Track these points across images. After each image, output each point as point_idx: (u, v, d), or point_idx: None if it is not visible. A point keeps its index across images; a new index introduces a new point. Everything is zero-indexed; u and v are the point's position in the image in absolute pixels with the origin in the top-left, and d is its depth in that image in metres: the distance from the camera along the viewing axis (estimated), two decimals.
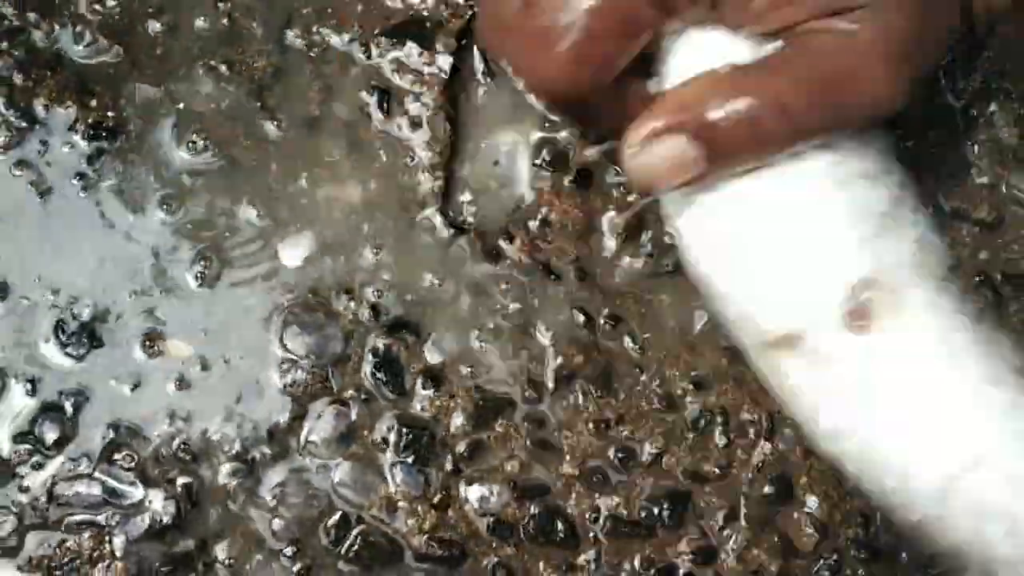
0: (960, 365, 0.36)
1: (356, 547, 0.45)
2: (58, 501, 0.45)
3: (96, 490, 0.45)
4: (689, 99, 0.37)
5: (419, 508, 0.45)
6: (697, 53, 0.38)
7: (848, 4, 0.37)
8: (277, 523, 0.45)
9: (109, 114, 0.49)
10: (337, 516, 0.45)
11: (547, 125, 0.49)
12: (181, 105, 0.50)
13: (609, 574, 0.45)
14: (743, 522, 0.46)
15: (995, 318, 0.45)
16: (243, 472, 0.46)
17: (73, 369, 0.46)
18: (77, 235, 0.48)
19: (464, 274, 0.48)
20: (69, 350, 0.46)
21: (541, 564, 0.45)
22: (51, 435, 0.46)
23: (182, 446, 0.46)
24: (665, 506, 0.46)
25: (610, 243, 0.49)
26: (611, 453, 0.46)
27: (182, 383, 0.47)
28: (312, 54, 0.51)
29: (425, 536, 0.45)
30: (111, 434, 0.46)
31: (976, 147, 0.51)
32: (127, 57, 0.50)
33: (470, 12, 0.51)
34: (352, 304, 0.47)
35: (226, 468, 0.46)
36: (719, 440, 0.46)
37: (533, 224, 0.49)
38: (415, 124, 0.49)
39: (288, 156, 0.49)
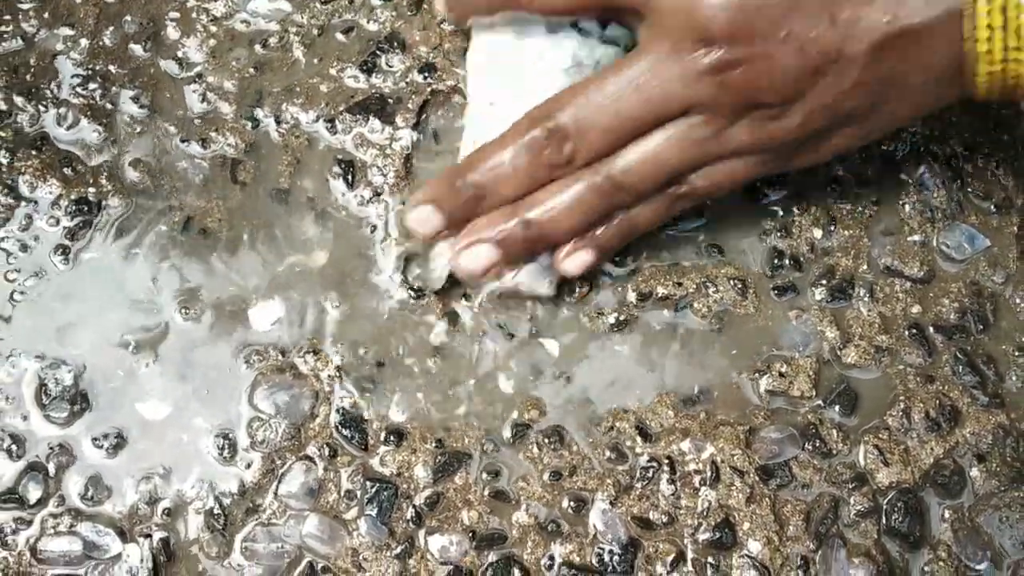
0: None
1: None
2: (40, 556, 0.47)
3: (77, 546, 0.48)
4: None
5: (383, 557, 0.48)
6: None
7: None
8: (249, 573, 0.48)
9: (90, 191, 0.52)
10: (304, 564, 0.48)
11: None
12: (159, 181, 0.53)
13: None
14: (689, 567, 0.48)
15: None
16: (216, 526, 0.48)
17: (55, 431, 0.49)
18: (59, 304, 0.51)
19: (424, 335, 0.51)
20: (51, 413, 0.49)
21: None
22: (34, 494, 0.48)
23: (159, 502, 0.48)
24: (616, 553, 0.48)
25: (563, 302, 0.52)
26: (564, 503, 0.49)
27: (159, 442, 0.49)
28: (281, 130, 0.54)
29: None
30: (91, 491, 0.48)
31: (907, 207, 0.54)
32: (108, 137, 0.53)
33: (429, 89, 0.54)
34: (319, 365, 0.50)
35: (200, 522, 0.48)
36: (666, 489, 0.49)
37: (489, 285, 0.52)
38: (377, 194, 0.53)
39: (258, 227, 0.52)
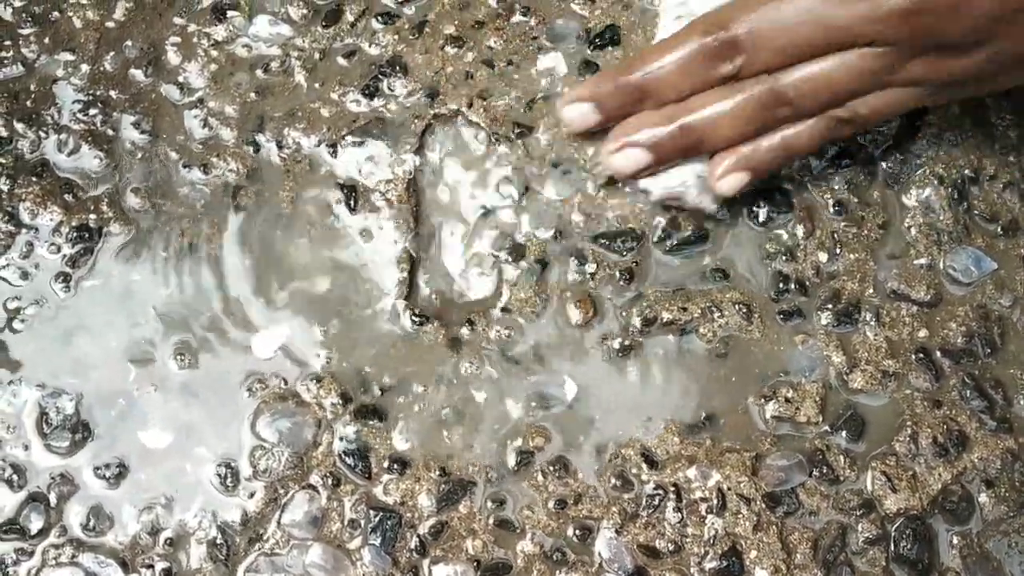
0: None
1: None
2: None
3: None
4: None
5: None
6: None
7: None
8: None
9: (91, 217, 0.52)
10: None
11: (506, 219, 0.52)
12: (160, 207, 0.53)
13: None
14: None
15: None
16: (219, 556, 0.48)
17: (56, 461, 0.49)
18: (59, 332, 0.51)
19: (428, 361, 0.51)
20: (52, 443, 0.49)
21: None
22: (36, 524, 0.48)
23: (161, 532, 0.48)
24: None
25: (566, 328, 0.51)
26: (570, 531, 0.48)
27: (161, 472, 0.49)
28: (283, 155, 0.54)
29: None
30: (93, 522, 0.48)
31: (913, 230, 0.53)
32: (109, 163, 0.53)
33: (431, 113, 0.54)
34: (321, 392, 0.50)
35: (202, 552, 0.48)
36: (672, 517, 0.48)
37: (493, 311, 0.51)
38: (380, 219, 0.52)
39: (260, 252, 0.52)
